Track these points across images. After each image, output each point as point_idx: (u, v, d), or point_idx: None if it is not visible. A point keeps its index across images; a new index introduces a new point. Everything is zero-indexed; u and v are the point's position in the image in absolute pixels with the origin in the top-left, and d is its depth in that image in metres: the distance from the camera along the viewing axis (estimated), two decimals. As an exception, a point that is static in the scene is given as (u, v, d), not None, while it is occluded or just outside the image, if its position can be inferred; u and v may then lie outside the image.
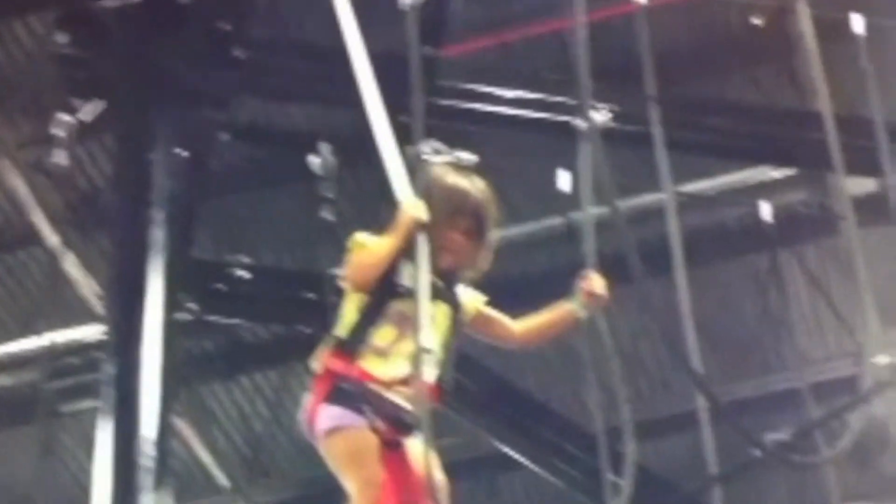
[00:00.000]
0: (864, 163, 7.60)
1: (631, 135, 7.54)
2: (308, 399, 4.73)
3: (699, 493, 9.36)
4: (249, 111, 8.93)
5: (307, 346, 10.80)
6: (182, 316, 7.95)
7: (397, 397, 4.63)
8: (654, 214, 8.56)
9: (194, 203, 7.74)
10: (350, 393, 4.62)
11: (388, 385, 4.62)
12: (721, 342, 10.26)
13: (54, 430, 10.07)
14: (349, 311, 4.75)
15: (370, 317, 4.68)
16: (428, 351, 4.61)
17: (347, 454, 4.59)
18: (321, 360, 4.71)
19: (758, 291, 10.60)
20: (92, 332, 10.02)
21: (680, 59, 8.75)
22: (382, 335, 4.66)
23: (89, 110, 7.53)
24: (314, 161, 7.53)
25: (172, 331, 7.33)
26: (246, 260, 8.94)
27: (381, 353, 4.65)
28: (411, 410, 4.62)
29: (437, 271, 4.69)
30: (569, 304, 4.91)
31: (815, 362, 10.70)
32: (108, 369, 7.25)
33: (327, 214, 7.54)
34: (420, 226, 4.59)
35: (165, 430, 7.21)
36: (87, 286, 9.69)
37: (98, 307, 9.80)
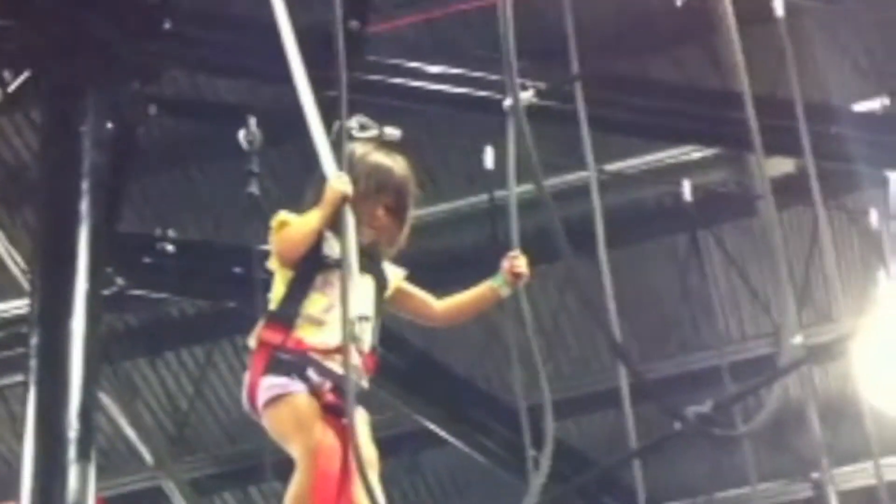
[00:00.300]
0: (782, 143, 7.71)
1: (553, 112, 7.61)
2: (247, 376, 4.80)
3: (618, 469, 9.48)
4: (177, 84, 8.95)
5: (232, 323, 10.93)
6: (108, 290, 7.95)
7: (335, 366, 4.69)
8: (573, 193, 8.65)
9: (122, 176, 7.74)
10: (288, 362, 4.69)
11: (326, 353, 4.70)
12: (639, 321, 10.38)
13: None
14: (278, 286, 4.86)
15: (299, 288, 4.77)
16: (366, 318, 4.71)
17: (290, 421, 4.65)
18: (256, 335, 4.78)
19: (677, 271, 10.75)
20: (16, 306, 10.01)
21: (602, 37, 8.84)
22: (314, 304, 4.75)
23: (16, 82, 7.50)
24: (241, 135, 7.57)
25: (98, 304, 7.31)
26: (172, 234, 8.94)
27: (316, 322, 4.73)
28: (350, 378, 4.63)
29: (358, 246, 4.76)
30: (492, 282, 5.03)
31: (732, 342, 10.86)
32: (35, 342, 7.20)
33: (253, 189, 7.57)
34: (346, 199, 4.67)
35: (91, 403, 7.19)
36: (11, 260, 9.66)
37: (23, 282, 9.77)
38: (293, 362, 4.68)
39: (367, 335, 4.73)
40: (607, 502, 9.67)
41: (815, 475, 11.97)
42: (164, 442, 11.40)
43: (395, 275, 5.00)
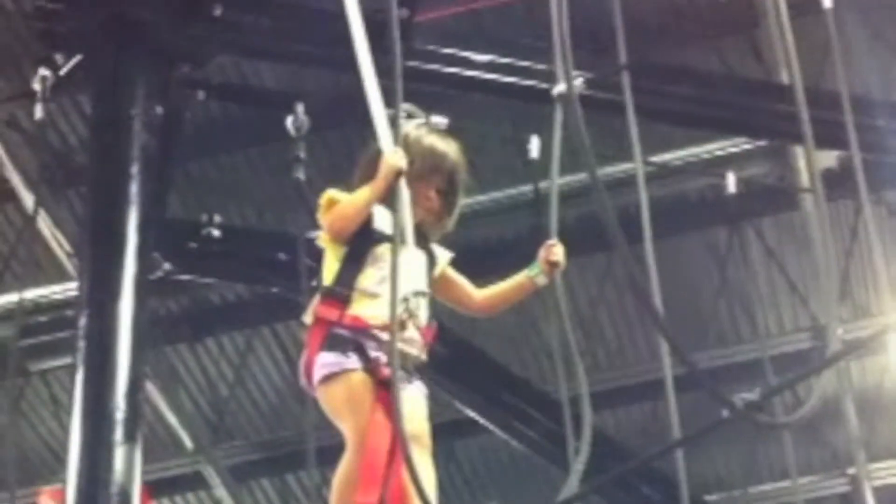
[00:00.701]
0: (825, 136, 7.73)
1: (596, 102, 7.64)
2: (304, 352, 4.82)
3: (658, 459, 9.50)
4: (223, 70, 9.02)
5: (272, 310, 10.96)
6: (154, 274, 8.01)
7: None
8: (614, 184, 8.68)
9: (170, 161, 7.80)
10: (344, 338, 4.73)
11: (383, 328, 4.70)
12: (678, 313, 10.39)
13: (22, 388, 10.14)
14: (331, 262, 4.89)
15: (353, 263, 4.81)
16: (422, 293, 4.80)
17: (342, 400, 4.69)
18: (312, 311, 4.81)
19: (716, 264, 10.78)
20: (59, 290, 10.09)
21: (646, 28, 8.87)
22: (367, 278, 4.79)
23: (68, 65, 7.56)
24: (289, 121, 7.63)
25: (146, 288, 7.35)
26: (218, 219, 9.01)
27: (370, 295, 4.77)
28: (407, 354, 4.71)
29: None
30: (528, 271, 5.04)
31: (770, 336, 10.87)
32: (83, 324, 7.19)
33: (300, 175, 7.64)
34: (400, 174, 4.73)
35: (137, 385, 7.19)
36: (56, 244, 9.75)
37: (67, 265, 9.86)
38: (349, 338, 4.72)
39: (422, 311, 4.79)
40: (647, 493, 9.68)
41: (850, 470, 11.98)
42: (204, 428, 11.48)
43: (443, 256, 5.05)
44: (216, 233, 8.95)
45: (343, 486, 4.68)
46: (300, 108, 7.62)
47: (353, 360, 4.71)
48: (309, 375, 4.79)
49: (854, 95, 8.34)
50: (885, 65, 9.67)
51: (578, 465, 5.00)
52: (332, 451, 12.14)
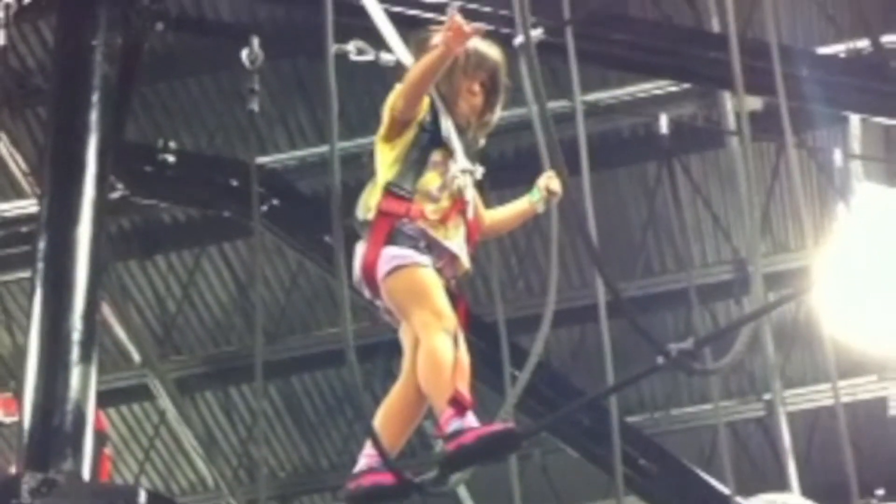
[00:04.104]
0: (752, 82, 8.07)
1: (541, 47, 7.92)
2: (361, 247, 4.86)
3: (596, 401, 9.84)
4: (180, 2, 9.28)
5: (220, 230, 11.24)
6: (111, 195, 8.24)
7: (451, 244, 4.88)
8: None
9: (128, 89, 8.01)
10: (410, 235, 4.82)
11: (440, 225, 4.86)
12: (607, 243, 10.75)
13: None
14: (387, 161, 4.97)
15: (417, 162, 4.95)
16: (469, 171, 4.95)
17: (414, 289, 4.74)
18: (374, 206, 4.88)
19: (644, 198, 11.17)
20: (16, 206, 10.34)
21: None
22: (430, 181, 4.95)
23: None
24: (244, 54, 7.88)
25: (104, 211, 7.51)
26: (173, 145, 9.25)
27: (433, 200, 4.92)
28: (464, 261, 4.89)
29: (454, 126, 5.03)
30: (530, 197, 5.29)
31: (694, 267, 11.27)
32: (42, 246, 7.37)
33: (253, 106, 7.89)
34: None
35: (94, 307, 7.37)
36: (13, 162, 9.98)
37: (24, 183, 10.10)
38: (415, 236, 4.82)
39: (469, 191, 4.96)
40: (577, 417, 10.03)
41: (766, 396, 12.45)
42: (152, 342, 11.77)
43: (479, 169, 5.14)
44: (171, 158, 9.17)
45: (435, 369, 4.67)
46: (255, 41, 7.86)
47: (423, 257, 4.79)
48: (368, 271, 4.79)
49: (779, 44, 8.72)
50: (807, 17, 10.08)
51: (517, 391, 5.23)
52: (275, 366, 12.45)
